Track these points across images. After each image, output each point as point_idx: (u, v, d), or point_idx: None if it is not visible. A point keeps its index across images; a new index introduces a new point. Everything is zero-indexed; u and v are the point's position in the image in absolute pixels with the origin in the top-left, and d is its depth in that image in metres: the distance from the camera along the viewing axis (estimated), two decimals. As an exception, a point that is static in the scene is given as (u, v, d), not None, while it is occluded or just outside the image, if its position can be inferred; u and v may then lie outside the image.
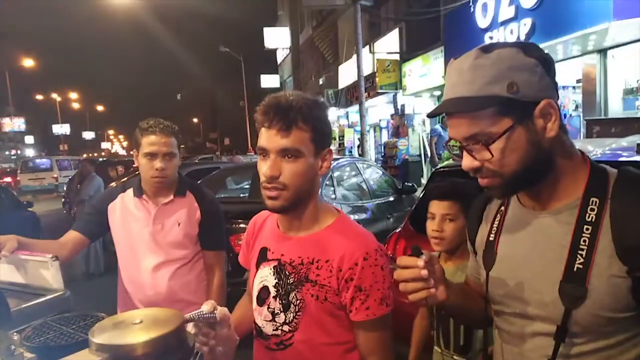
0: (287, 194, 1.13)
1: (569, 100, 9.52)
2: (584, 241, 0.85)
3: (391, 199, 5.41)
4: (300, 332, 1.17)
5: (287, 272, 1.19)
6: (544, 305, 0.89)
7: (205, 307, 1.02)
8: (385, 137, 15.85)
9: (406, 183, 5.54)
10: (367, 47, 14.48)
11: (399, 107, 13.95)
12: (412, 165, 11.98)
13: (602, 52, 7.77)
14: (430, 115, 0.97)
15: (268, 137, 1.12)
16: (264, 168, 1.12)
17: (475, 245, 1.10)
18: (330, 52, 21.13)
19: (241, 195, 5.36)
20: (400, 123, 13.19)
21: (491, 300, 1.02)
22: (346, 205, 4.68)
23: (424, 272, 0.89)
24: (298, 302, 1.17)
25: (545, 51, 0.90)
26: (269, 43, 25.72)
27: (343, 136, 18.88)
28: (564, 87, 9.65)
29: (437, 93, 12.42)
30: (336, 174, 4.81)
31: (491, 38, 8.94)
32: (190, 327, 1.01)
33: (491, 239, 1.02)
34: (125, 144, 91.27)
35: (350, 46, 15.36)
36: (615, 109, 7.75)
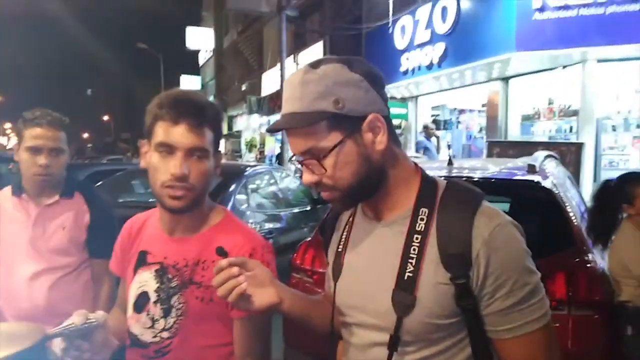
0: (193, 195, 1.10)
1: (475, 122, 10.31)
2: (414, 250, 0.88)
3: (307, 208, 5.44)
4: (180, 337, 1.13)
5: (169, 276, 1.14)
6: (379, 314, 0.91)
7: (77, 318, 0.96)
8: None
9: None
10: (292, 57, 14.60)
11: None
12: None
13: (505, 80, 8.51)
14: (269, 131, 0.98)
15: (176, 133, 1.06)
16: (171, 167, 1.06)
17: (328, 255, 1.12)
18: (254, 59, 21.02)
19: (150, 200, 5.07)
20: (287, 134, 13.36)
21: (337, 311, 1.03)
22: (261, 214, 4.62)
23: (234, 270, 0.89)
24: (180, 305, 1.13)
25: (370, 65, 0.92)
26: (190, 43, 25.05)
27: (264, 144, 18.81)
28: (470, 111, 10.45)
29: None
30: (251, 181, 4.74)
31: (407, 59, 9.43)
32: (57, 343, 0.94)
33: (339, 249, 1.04)
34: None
35: (275, 54, 15.39)
36: (514, 133, 8.50)
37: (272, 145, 17.45)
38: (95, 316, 1.00)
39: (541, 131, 8.03)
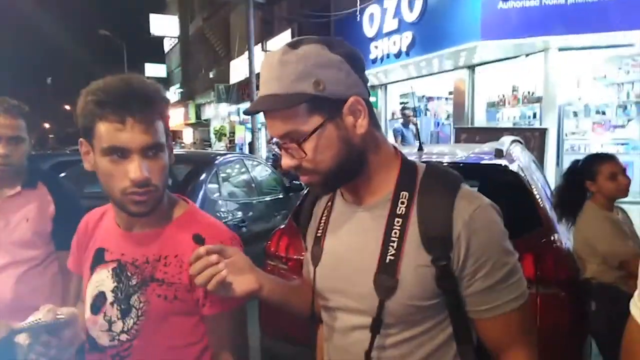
0: (156, 195, 1.01)
1: (442, 109, 10.47)
2: (395, 233, 0.88)
3: (280, 196, 5.42)
4: (141, 339, 1.04)
5: (128, 274, 1.06)
6: (361, 298, 0.91)
7: (45, 313, 0.91)
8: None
9: (294, 182, 5.60)
10: (260, 45, 14.39)
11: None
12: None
13: (471, 68, 8.65)
14: (246, 113, 0.95)
15: (127, 134, 0.94)
16: (129, 171, 0.95)
17: (306, 240, 1.11)
18: (221, 46, 20.63)
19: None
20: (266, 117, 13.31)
21: (318, 296, 1.02)
22: (233, 202, 4.58)
23: (213, 258, 0.88)
24: (141, 305, 1.04)
25: (351, 47, 0.89)
26: (155, 30, 24.32)
27: (234, 133, 18.54)
28: (437, 98, 10.59)
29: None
30: (222, 170, 4.68)
31: (376, 47, 9.46)
32: (22, 338, 0.89)
33: (318, 234, 1.03)
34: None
35: (242, 42, 15.14)
36: (480, 119, 8.68)
37: (242, 134, 17.22)
38: (65, 312, 0.95)
39: (506, 117, 8.23)
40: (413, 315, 0.89)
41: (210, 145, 21.42)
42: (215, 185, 4.36)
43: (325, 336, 1.05)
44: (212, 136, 22.26)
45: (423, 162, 0.98)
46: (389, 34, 9.20)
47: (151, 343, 1.04)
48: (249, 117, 14.20)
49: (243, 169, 5.20)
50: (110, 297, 1.07)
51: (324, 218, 1.04)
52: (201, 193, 3.97)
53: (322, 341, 1.11)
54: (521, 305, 0.89)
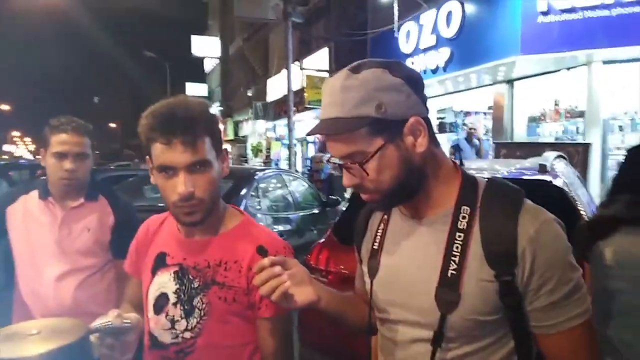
0: (204, 206, 1.10)
1: (481, 124, 10.32)
2: (457, 248, 0.89)
3: (316, 211, 5.48)
4: (203, 337, 1.13)
5: (190, 277, 1.15)
6: (422, 311, 0.92)
7: (114, 317, 0.97)
8: (312, 151, 16.06)
9: (330, 196, 5.66)
10: (297, 63, 14.68)
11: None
12: (336, 179, 12.22)
13: (510, 82, 8.53)
14: (309, 134, 0.98)
15: (172, 154, 1.05)
16: (177, 186, 1.06)
17: (361, 253, 1.12)
18: (259, 65, 21.14)
19: (159, 204, 5.13)
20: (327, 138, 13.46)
21: (375, 308, 1.03)
22: (271, 217, 4.67)
23: (277, 269, 0.91)
24: (204, 306, 1.13)
25: (410, 69, 0.92)
26: (196, 51, 25.19)
27: (270, 148, 18.87)
28: (476, 113, 10.45)
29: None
30: (262, 185, 4.79)
31: (412, 63, 9.47)
32: (93, 338, 0.94)
33: (375, 247, 1.04)
34: (32, 147, 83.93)
35: (280, 61, 15.49)
36: (520, 134, 8.51)
37: (278, 150, 17.52)
38: (131, 317, 1.01)
39: (547, 132, 8.03)
40: (474, 330, 0.89)
41: (246, 161, 21.85)
42: (256, 200, 4.47)
43: (383, 348, 1.05)
44: (249, 152, 22.72)
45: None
46: (426, 50, 9.22)
47: (212, 341, 1.13)
48: (285, 133, 14.42)
49: (281, 184, 5.31)
50: (173, 298, 1.16)
51: (379, 231, 1.06)
52: (242, 207, 4.08)
53: (375, 353, 1.12)
54: (585, 321, 0.88)
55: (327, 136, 0.92)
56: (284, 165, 15.81)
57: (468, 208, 0.92)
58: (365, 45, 11.71)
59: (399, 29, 9.94)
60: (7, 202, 1.86)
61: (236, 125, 25.88)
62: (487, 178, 0.98)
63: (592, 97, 7.00)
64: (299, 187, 5.66)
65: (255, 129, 22.87)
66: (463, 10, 8.29)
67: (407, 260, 0.97)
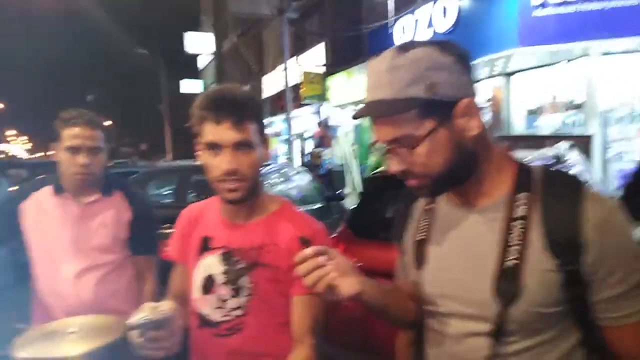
0: (246, 184, 1.18)
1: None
2: (516, 236, 0.85)
3: (319, 205, 5.49)
4: (251, 315, 1.20)
5: (235, 259, 1.22)
6: (478, 304, 0.88)
7: (151, 310, 0.97)
8: (309, 147, 16.06)
9: (336, 192, 5.66)
10: (293, 58, 14.63)
11: (323, 118, 14.23)
12: (335, 174, 12.23)
13: (507, 75, 8.54)
14: (355, 118, 0.95)
15: (220, 132, 1.14)
16: (221, 163, 1.15)
17: (404, 245, 1.08)
18: (254, 62, 21.04)
19: (163, 201, 5.18)
20: (325, 134, 13.47)
21: (424, 301, 0.99)
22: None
23: (321, 259, 0.87)
24: (250, 285, 1.20)
25: (462, 48, 0.88)
26: (189, 48, 25.01)
27: (267, 145, 18.76)
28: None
29: (361, 106, 12.84)
30: (265, 179, 4.79)
31: (411, 57, 9.45)
32: (133, 334, 0.94)
33: (421, 238, 1.00)
34: (29, 146, 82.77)
35: (275, 57, 15.43)
36: (518, 127, 8.54)
37: (276, 146, 17.49)
38: (166, 307, 1.01)
39: (545, 125, 8.07)
40: (536, 323, 0.86)
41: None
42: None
43: (432, 342, 1.01)
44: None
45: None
46: (423, 44, 9.20)
47: (260, 319, 1.19)
48: (282, 129, 14.39)
49: (284, 178, 5.31)
50: (221, 278, 1.22)
51: (424, 221, 1.02)
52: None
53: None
54: None
55: (373, 119, 0.89)
56: (280, 160, 15.78)
57: (526, 195, 0.88)
58: (361, 40, 11.68)
59: (393, 24, 9.92)
60: (20, 199, 1.82)
61: (231, 122, 25.74)
62: (539, 166, 0.94)
63: (590, 89, 7.04)
64: (301, 181, 5.67)
65: (251, 126, 22.76)
66: (458, 5, 8.29)
67: (458, 251, 0.93)
